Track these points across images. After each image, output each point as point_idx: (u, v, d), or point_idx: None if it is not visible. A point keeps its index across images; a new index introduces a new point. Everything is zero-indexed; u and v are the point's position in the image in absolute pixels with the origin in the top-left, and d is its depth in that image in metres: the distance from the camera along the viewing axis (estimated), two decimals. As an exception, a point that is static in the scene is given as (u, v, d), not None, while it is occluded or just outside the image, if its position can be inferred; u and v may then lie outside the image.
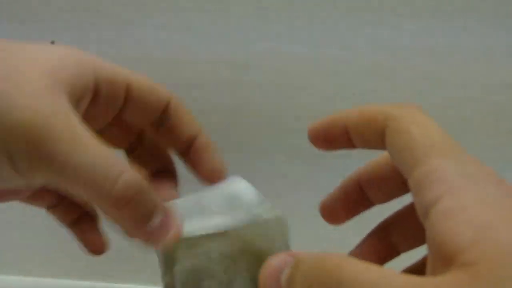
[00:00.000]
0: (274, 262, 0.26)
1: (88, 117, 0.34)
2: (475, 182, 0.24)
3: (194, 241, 0.30)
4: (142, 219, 0.29)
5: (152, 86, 0.36)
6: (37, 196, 0.40)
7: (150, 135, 0.39)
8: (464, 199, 0.23)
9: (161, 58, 0.58)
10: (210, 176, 0.36)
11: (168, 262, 0.30)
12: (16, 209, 0.49)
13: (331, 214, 0.34)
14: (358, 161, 0.34)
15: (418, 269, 0.31)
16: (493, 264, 0.21)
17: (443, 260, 0.22)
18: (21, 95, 0.29)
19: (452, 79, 0.56)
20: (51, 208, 0.41)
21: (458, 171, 0.24)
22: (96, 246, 0.42)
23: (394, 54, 0.56)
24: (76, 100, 0.32)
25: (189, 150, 0.37)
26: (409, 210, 0.33)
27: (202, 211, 0.31)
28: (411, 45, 0.56)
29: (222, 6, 0.56)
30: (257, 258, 0.29)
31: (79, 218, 0.41)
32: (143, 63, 0.58)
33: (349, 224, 0.35)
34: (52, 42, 0.59)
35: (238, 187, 0.33)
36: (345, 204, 0.34)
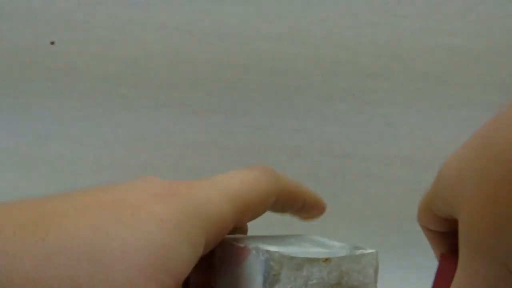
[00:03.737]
0: None
1: None
2: None
3: (299, 263, 0.29)
4: None
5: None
6: None
7: None
8: None
9: (161, 58, 0.58)
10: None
11: (270, 280, 0.30)
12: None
13: None
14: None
15: None
16: None
17: None
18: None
19: (452, 79, 0.56)
20: None
21: None
22: None
23: (394, 54, 0.56)
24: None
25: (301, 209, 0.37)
26: None
27: (293, 244, 0.32)
28: (411, 45, 0.56)
29: (222, 7, 0.56)
30: None
31: None
32: (143, 63, 0.58)
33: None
34: (52, 43, 0.59)
35: (315, 236, 0.34)
36: None
